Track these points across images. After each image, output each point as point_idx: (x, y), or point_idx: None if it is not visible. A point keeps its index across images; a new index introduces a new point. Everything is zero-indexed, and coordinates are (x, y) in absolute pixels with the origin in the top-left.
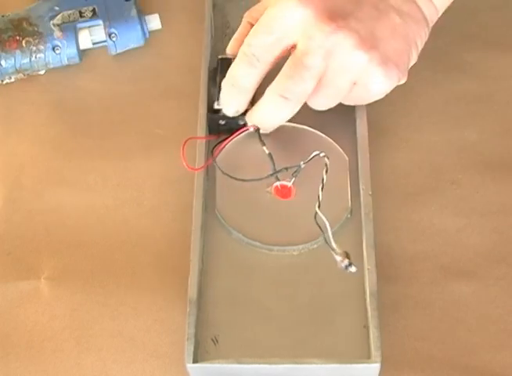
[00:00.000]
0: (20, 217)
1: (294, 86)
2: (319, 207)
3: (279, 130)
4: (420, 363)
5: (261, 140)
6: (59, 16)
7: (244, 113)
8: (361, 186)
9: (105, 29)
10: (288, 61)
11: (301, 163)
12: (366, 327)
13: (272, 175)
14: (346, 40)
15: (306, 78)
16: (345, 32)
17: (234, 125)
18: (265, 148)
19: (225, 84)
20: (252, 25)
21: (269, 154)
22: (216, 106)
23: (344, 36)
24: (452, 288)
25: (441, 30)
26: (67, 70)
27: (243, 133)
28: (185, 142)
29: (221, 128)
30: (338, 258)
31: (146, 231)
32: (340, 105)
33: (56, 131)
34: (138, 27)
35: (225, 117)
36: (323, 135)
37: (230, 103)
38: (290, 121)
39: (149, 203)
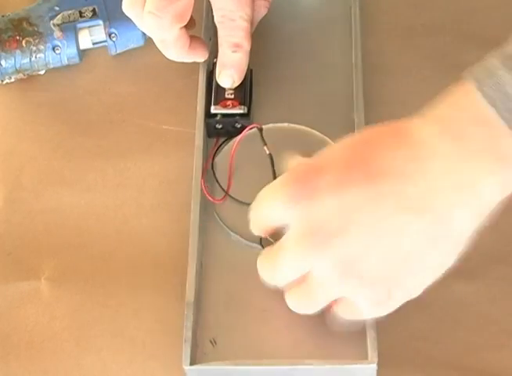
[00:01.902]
0: (20, 217)
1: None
2: None
3: (279, 131)
4: (420, 363)
5: (263, 140)
6: (59, 16)
7: (241, 116)
8: None
9: (105, 29)
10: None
11: None
12: (364, 327)
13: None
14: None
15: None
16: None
17: (231, 129)
18: (265, 148)
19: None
20: None
21: (270, 155)
22: (213, 110)
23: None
24: (452, 288)
25: (441, 30)
26: (67, 70)
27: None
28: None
29: (219, 131)
30: None
31: (146, 231)
32: (339, 108)
33: (56, 131)
34: None
35: (221, 121)
36: (322, 136)
37: None
38: (289, 121)
39: (149, 203)
